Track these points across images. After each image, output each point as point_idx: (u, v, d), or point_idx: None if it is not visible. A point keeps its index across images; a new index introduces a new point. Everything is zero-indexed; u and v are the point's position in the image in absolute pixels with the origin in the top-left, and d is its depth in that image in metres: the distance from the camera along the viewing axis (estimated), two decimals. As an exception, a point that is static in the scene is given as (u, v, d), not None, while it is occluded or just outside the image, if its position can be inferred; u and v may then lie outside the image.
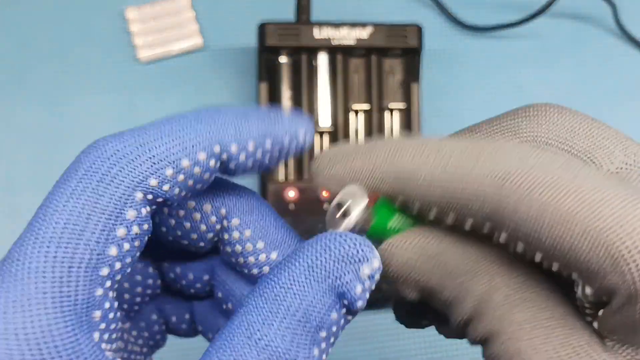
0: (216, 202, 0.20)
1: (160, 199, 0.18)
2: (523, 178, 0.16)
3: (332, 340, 0.18)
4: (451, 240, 0.19)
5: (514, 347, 0.17)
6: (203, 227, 0.20)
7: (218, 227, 0.21)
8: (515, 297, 0.18)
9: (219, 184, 0.21)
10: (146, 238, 0.18)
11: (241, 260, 0.21)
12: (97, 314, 0.16)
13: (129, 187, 0.17)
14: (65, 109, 0.49)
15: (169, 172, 0.17)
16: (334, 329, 0.18)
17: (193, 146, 0.18)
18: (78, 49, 0.50)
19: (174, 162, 0.17)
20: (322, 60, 0.46)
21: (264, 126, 0.19)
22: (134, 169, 0.17)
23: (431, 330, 0.50)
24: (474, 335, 0.19)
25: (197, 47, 0.51)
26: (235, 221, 0.21)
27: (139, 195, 0.17)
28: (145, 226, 0.17)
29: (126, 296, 0.22)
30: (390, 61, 0.47)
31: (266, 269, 0.21)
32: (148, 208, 0.17)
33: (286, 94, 0.47)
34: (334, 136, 0.46)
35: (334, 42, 0.45)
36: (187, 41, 0.51)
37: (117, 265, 0.17)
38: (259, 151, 0.19)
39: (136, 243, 0.17)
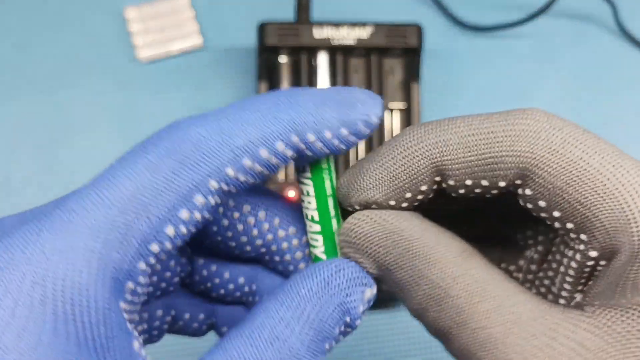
0: (270, 212, 0.21)
1: (233, 189, 0.18)
2: (554, 135, 0.18)
3: (327, 353, 0.19)
4: (412, 221, 0.19)
5: (484, 334, 0.18)
6: (255, 231, 0.21)
7: (270, 237, 0.21)
8: (475, 287, 0.18)
9: (268, 192, 0.22)
10: (200, 227, 0.18)
11: (291, 268, 0.22)
12: (131, 285, 0.16)
13: (205, 174, 0.17)
14: (65, 109, 0.49)
15: (248, 162, 0.18)
16: (334, 343, 0.19)
17: (272, 136, 0.18)
18: (78, 48, 0.50)
19: (252, 152, 0.18)
20: (322, 60, 0.46)
21: (341, 114, 0.19)
22: (214, 157, 0.17)
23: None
24: (432, 327, 0.19)
25: (197, 46, 0.51)
26: (281, 233, 0.21)
27: (213, 184, 0.17)
28: (207, 214, 0.18)
29: (154, 278, 0.22)
30: (390, 61, 0.47)
31: None
32: (218, 198, 0.18)
33: (286, 93, 0.46)
34: (334, 136, 0.46)
35: (334, 42, 0.45)
36: (186, 41, 0.51)
37: (168, 245, 0.17)
38: (335, 140, 0.19)
39: (192, 229, 0.17)
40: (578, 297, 0.19)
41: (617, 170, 0.18)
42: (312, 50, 0.46)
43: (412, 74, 0.47)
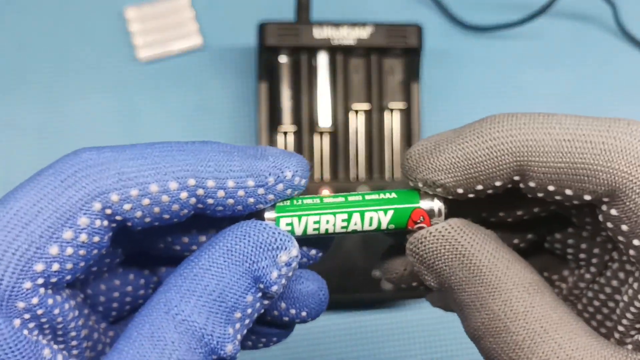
0: None
1: (119, 217, 0.18)
2: None
3: (246, 321, 0.18)
4: (485, 244, 0.18)
5: None
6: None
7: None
8: (537, 325, 0.17)
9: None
10: (95, 251, 0.18)
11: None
12: (21, 304, 0.16)
13: (88, 195, 0.17)
14: (64, 109, 0.49)
15: (134, 192, 0.17)
16: (249, 311, 0.18)
17: (166, 173, 0.18)
18: (78, 48, 0.50)
19: (141, 184, 0.17)
20: (322, 60, 0.46)
21: (246, 164, 0.18)
22: (99, 180, 0.17)
23: (431, 331, 0.50)
24: (485, 353, 0.18)
25: (197, 46, 0.51)
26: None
27: (96, 206, 0.17)
28: (96, 238, 0.17)
29: (102, 299, 0.22)
30: (390, 61, 0.47)
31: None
32: (106, 222, 0.17)
33: (286, 93, 0.46)
34: (334, 136, 0.46)
35: (334, 42, 0.45)
36: (186, 41, 0.51)
37: (55, 266, 0.17)
38: (240, 191, 0.18)
39: (81, 252, 0.17)
40: (638, 337, 0.18)
41: None
42: (312, 50, 0.46)
43: (412, 74, 0.47)
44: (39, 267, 0.17)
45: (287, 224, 0.19)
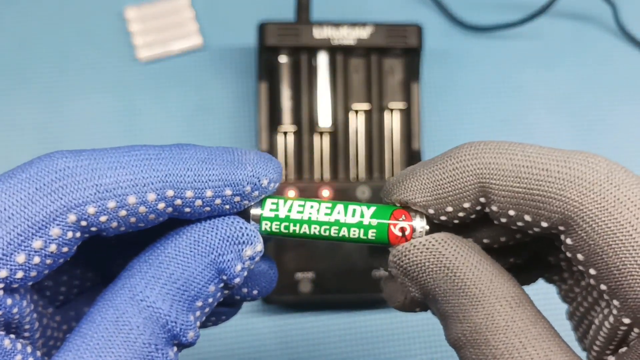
0: None
1: (94, 228, 0.17)
2: (608, 190, 0.17)
3: (206, 309, 0.19)
4: (470, 256, 0.19)
5: None
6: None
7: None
8: (516, 340, 0.17)
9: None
10: (62, 260, 0.17)
11: None
12: None
13: (63, 207, 0.17)
14: (64, 109, 0.49)
15: (111, 204, 0.17)
16: (210, 300, 0.18)
17: (144, 185, 0.17)
18: (77, 48, 0.50)
19: (119, 196, 0.17)
20: (322, 60, 0.46)
21: (225, 174, 0.18)
22: (75, 192, 0.17)
23: (431, 331, 0.50)
24: None
25: (197, 46, 0.51)
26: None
27: (71, 218, 0.17)
28: (65, 249, 0.17)
29: (49, 290, 0.22)
30: (390, 61, 0.47)
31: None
32: (78, 234, 0.17)
33: (286, 93, 0.46)
34: (334, 136, 0.46)
35: (334, 42, 0.45)
36: (186, 41, 0.51)
37: (19, 274, 0.16)
38: (217, 199, 0.18)
39: (48, 261, 0.17)
40: (613, 359, 0.18)
41: None
42: (312, 50, 0.46)
43: (412, 74, 0.47)
44: (2, 273, 0.16)
45: (273, 203, 0.20)
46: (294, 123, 0.46)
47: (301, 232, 0.20)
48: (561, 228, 0.18)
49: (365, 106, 0.47)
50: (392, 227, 0.20)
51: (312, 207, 0.20)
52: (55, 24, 0.51)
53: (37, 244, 0.16)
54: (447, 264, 0.18)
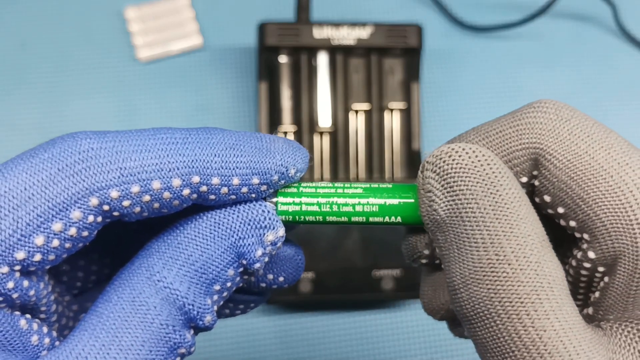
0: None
1: (116, 213, 0.17)
2: (560, 126, 0.17)
3: (224, 294, 0.18)
4: (512, 179, 0.17)
5: (541, 335, 0.16)
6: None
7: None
8: (544, 281, 0.17)
9: None
10: (81, 245, 0.17)
11: None
12: None
13: (85, 189, 0.16)
14: (64, 109, 0.49)
15: (135, 189, 0.16)
16: (228, 284, 0.18)
17: (170, 170, 0.17)
18: (77, 48, 0.50)
19: (144, 180, 0.16)
20: (322, 60, 0.46)
21: (253, 162, 0.18)
22: (99, 174, 0.16)
23: (431, 330, 0.50)
24: (469, 302, 0.17)
25: (197, 46, 0.51)
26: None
27: (93, 201, 0.16)
28: (85, 233, 0.17)
29: (66, 275, 0.21)
30: (390, 61, 0.47)
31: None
32: (99, 218, 0.17)
33: (286, 93, 0.46)
34: (333, 136, 0.46)
35: (334, 42, 0.45)
36: (186, 41, 0.51)
37: (37, 256, 0.16)
38: (244, 187, 0.18)
39: (67, 245, 0.16)
40: (590, 310, 0.18)
41: (623, 167, 0.17)
42: (312, 50, 0.46)
43: (412, 74, 0.47)
44: (20, 255, 0.16)
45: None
46: (294, 123, 0.46)
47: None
48: (535, 173, 0.18)
49: (365, 106, 0.47)
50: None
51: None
52: (55, 24, 0.51)
53: (57, 226, 0.16)
54: (492, 179, 0.16)
